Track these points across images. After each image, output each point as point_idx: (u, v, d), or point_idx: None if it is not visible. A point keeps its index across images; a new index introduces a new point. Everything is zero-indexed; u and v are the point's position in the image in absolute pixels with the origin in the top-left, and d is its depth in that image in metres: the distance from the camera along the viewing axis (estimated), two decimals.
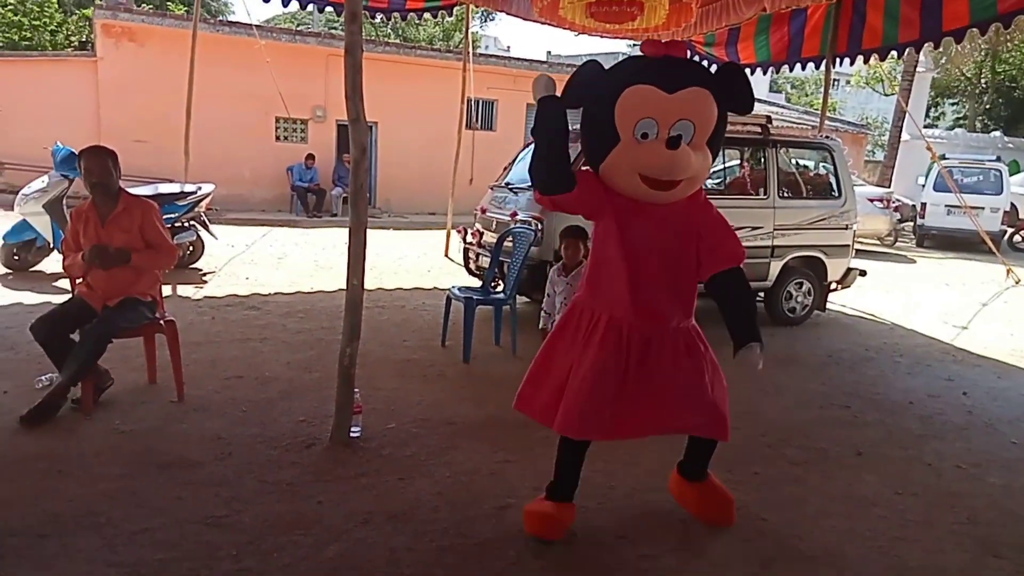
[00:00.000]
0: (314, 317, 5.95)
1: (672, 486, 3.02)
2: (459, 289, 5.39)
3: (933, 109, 29.45)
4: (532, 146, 2.53)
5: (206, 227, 7.57)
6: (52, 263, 7.05)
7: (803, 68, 8.64)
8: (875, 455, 3.78)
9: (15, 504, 2.72)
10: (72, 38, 17.08)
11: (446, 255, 9.77)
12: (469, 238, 6.81)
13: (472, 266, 6.86)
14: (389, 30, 26.99)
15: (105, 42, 13.28)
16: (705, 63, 9.53)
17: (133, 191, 4.18)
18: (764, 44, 8.55)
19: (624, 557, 2.64)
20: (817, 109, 13.39)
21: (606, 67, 2.51)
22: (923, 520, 3.09)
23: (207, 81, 9.74)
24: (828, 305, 7.09)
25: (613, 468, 3.33)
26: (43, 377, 3.92)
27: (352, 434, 3.47)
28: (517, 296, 5.50)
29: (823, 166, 8.27)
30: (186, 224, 7.33)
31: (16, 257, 6.86)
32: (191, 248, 7.56)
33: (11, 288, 6.31)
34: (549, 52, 38.10)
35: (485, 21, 32.46)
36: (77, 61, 13.73)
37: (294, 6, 8.07)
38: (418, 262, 9.07)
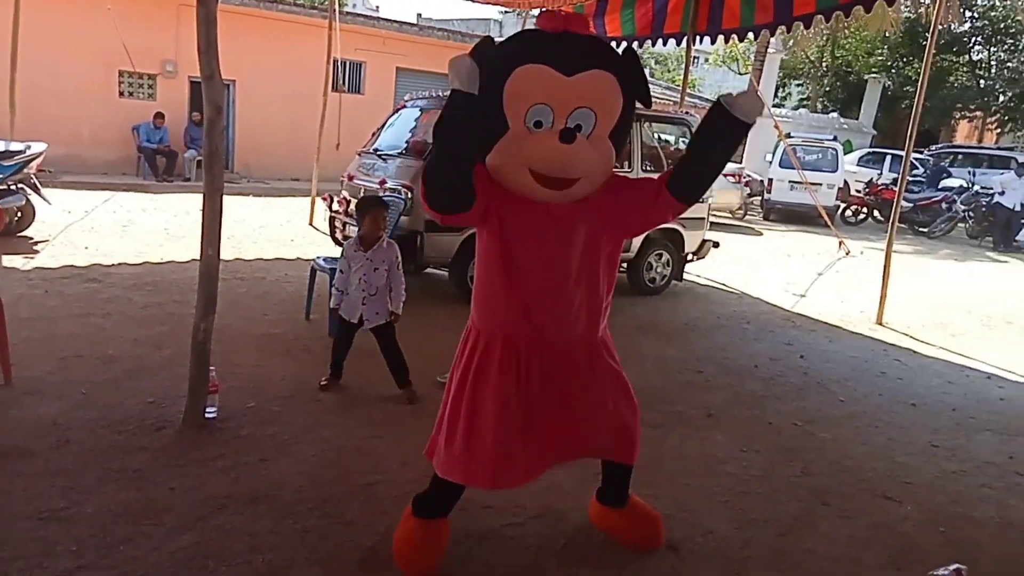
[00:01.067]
0: (164, 290, 5.56)
1: (593, 515, 2.73)
2: (324, 259, 5.21)
3: (781, 89, 31.58)
4: (433, 146, 2.09)
5: (37, 191, 6.84)
6: None
7: (664, 44, 8.96)
8: (725, 416, 4.05)
9: None
10: None
11: (310, 224, 9.41)
12: (336, 206, 6.57)
13: (339, 235, 6.64)
14: None
15: None
16: None
17: None
18: (630, 18, 8.79)
19: (491, 526, 2.68)
20: (678, 85, 13.97)
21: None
22: (764, 475, 3.36)
23: (36, 28, 8.77)
24: (684, 275, 7.48)
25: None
26: None
27: (208, 415, 3.29)
28: None
29: (683, 141, 8.67)
30: (13, 187, 6.58)
31: None
32: (19, 214, 6.81)
33: None
34: (419, 15, 37.21)
35: None
36: None
37: None
38: (280, 231, 8.67)
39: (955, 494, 3.34)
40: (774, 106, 26.33)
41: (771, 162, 15.74)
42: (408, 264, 6.08)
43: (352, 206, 6.37)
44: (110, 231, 7.76)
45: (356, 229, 5.91)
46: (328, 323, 4.84)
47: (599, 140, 2.10)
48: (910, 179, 14.94)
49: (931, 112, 22.97)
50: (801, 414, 4.19)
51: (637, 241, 6.75)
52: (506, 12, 18.29)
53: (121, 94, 13.57)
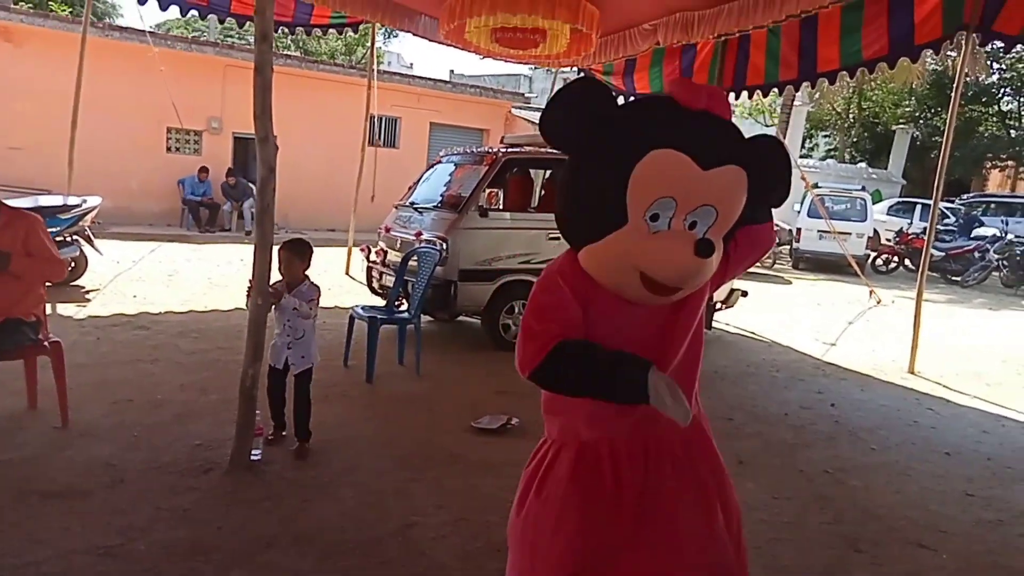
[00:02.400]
0: (209, 337, 5.78)
1: None
2: (362, 308, 5.40)
3: (808, 140, 31.73)
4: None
5: (90, 242, 7.19)
6: None
7: None
8: (755, 463, 4.08)
9: None
10: None
11: (347, 273, 9.68)
12: (373, 256, 6.81)
13: (375, 285, 6.86)
14: (290, 42, 26.46)
15: None
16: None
17: (11, 203, 3.96)
18: (658, 75, 9.06)
19: None
20: None
21: (610, 100, 1.66)
22: (796, 522, 3.37)
23: (94, 87, 9.27)
24: (714, 323, 7.53)
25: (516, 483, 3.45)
26: None
27: (253, 457, 3.43)
28: (422, 315, 5.55)
29: None
30: (69, 239, 6.94)
31: None
32: (72, 264, 7.15)
33: None
34: (452, 71, 38.35)
35: (388, 37, 32.40)
36: None
37: (192, 12, 7.85)
38: (318, 280, 8.87)
39: (992, 543, 3.32)
40: (801, 157, 26.41)
41: (799, 212, 15.79)
42: (442, 311, 6.29)
43: (388, 257, 6.60)
44: (157, 280, 8.08)
45: (391, 279, 6.15)
46: (366, 370, 5.00)
47: (715, 240, 1.66)
48: (941, 228, 14.88)
49: (961, 161, 22.87)
50: (832, 462, 4.19)
51: None
52: (536, 68, 18.81)
53: (168, 149, 14.20)
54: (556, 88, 12.00)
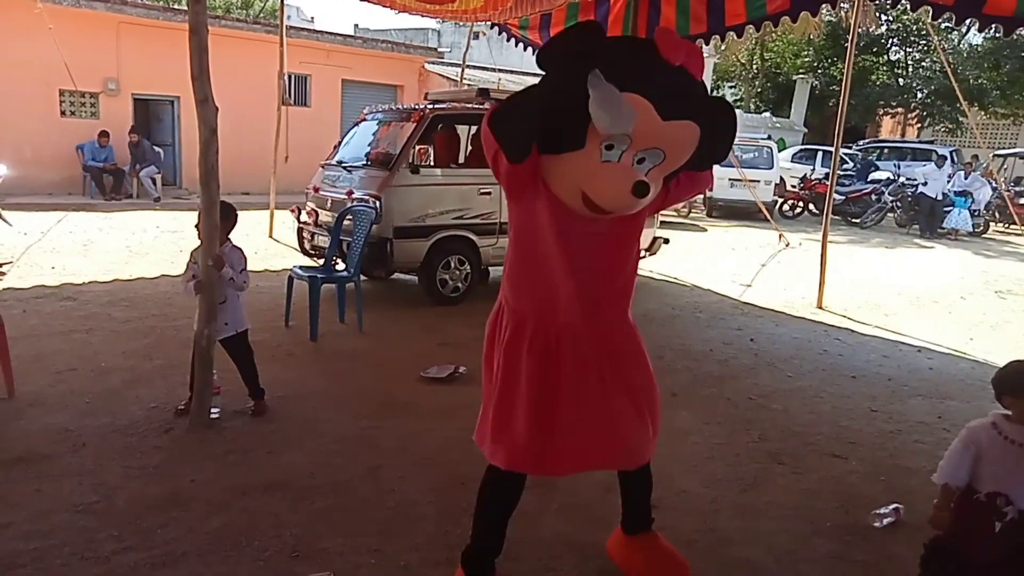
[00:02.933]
0: (140, 305, 5.67)
1: (612, 548, 2.58)
2: (301, 268, 5.42)
3: (715, 92, 32.73)
4: (512, 103, 1.93)
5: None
6: None
7: None
8: (687, 395, 4.43)
9: None
10: None
11: (271, 236, 9.52)
12: (304, 217, 6.77)
13: (307, 246, 6.83)
14: None
15: None
16: (522, 45, 10.05)
17: None
18: None
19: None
20: None
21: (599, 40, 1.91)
22: (726, 442, 3.73)
23: None
24: (639, 271, 7.88)
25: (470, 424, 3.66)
26: None
27: (212, 415, 3.49)
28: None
29: None
30: None
31: None
32: None
33: None
34: (356, 25, 37.14)
35: None
36: None
37: None
38: (242, 244, 8.74)
39: (893, 450, 3.78)
40: None
41: None
42: (379, 269, 6.36)
43: (319, 217, 6.59)
44: (72, 251, 7.75)
45: (324, 239, 6.15)
46: (309, 329, 5.06)
47: (656, 180, 1.99)
48: (841, 173, 15.79)
49: (856, 109, 24.16)
50: (754, 390, 4.60)
51: None
52: (443, 22, 18.52)
53: (63, 113, 13.36)
54: (469, 42, 11.93)
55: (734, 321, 6.48)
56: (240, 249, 3.66)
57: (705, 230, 13.85)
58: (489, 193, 6.41)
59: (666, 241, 7.93)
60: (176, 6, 21.41)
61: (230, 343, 3.68)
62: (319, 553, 2.49)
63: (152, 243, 8.58)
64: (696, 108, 1.96)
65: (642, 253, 7.68)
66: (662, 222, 8.46)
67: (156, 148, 13.63)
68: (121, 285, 6.32)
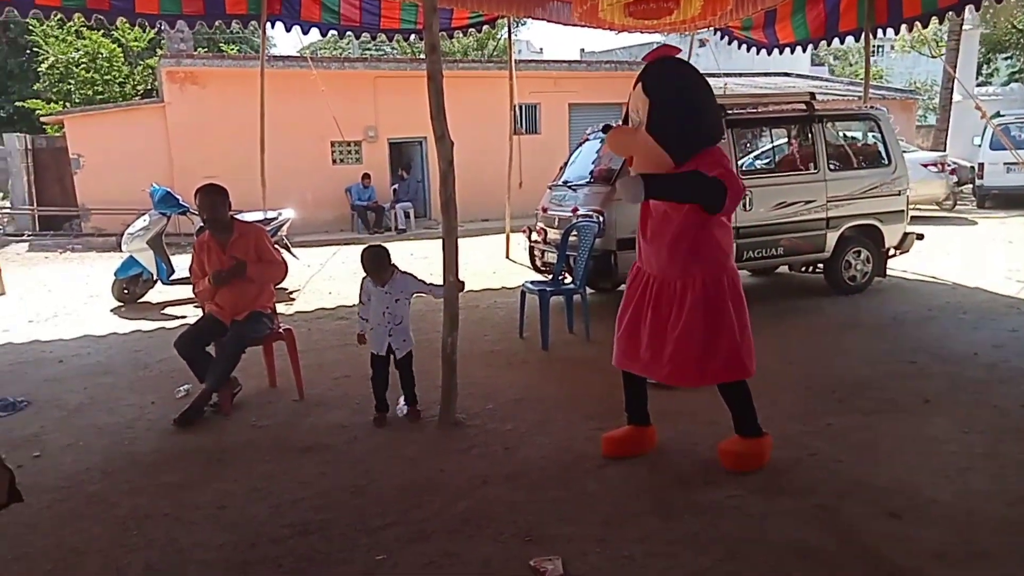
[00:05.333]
0: None
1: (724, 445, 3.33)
2: (533, 283, 5.80)
3: (985, 66, 28.61)
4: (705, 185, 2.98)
5: (288, 249, 8.16)
6: (155, 294, 7.75)
7: (842, 42, 8.79)
8: (943, 401, 4.02)
9: (192, 486, 3.24)
10: (139, 87, 18.19)
11: (507, 257, 10.20)
12: (534, 236, 7.21)
13: (538, 263, 7.25)
14: (422, 46, 27.65)
15: (171, 87, 14.18)
16: (745, 47, 9.77)
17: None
18: (802, 23, 8.75)
19: (713, 498, 2.98)
20: (863, 79, 13.27)
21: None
22: (989, 453, 3.34)
23: (269, 114, 10.39)
24: (888, 271, 7.23)
25: (694, 428, 3.68)
26: (181, 387, 4.50)
27: (457, 414, 3.90)
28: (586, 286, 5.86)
29: (871, 135, 8.40)
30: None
31: (126, 291, 7.55)
32: None
33: (126, 318, 7.00)
34: (582, 50, 38.29)
35: (518, 26, 32.97)
36: (146, 108, 14.68)
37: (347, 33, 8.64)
38: (482, 266, 9.52)
39: None
40: (979, 85, 23.93)
41: (980, 145, 14.45)
42: (604, 281, 6.57)
43: (548, 235, 6.97)
44: (345, 278, 8.99)
45: (553, 256, 6.50)
46: (540, 339, 5.39)
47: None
48: None
49: None
50: None
51: (832, 240, 6.69)
52: (668, 34, 18.42)
53: (334, 161, 15.51)
54: (691, 51, 11.79)
55: (1008, 322, 5.70)
56: (407, 273, 4.10)
57: (975, 223, 12.23)
58: None
59: (919, 237, 7.19)
60: (422, 56, 23.74)
61: (403, 362, 4.03)
62: (550, 539, 2.70)
63: (407, 269, 9.63)
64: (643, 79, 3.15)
65: (891, 252, 7.07)
66: (918, 217, 7.68)
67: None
68: None
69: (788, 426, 3.68)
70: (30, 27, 17.67)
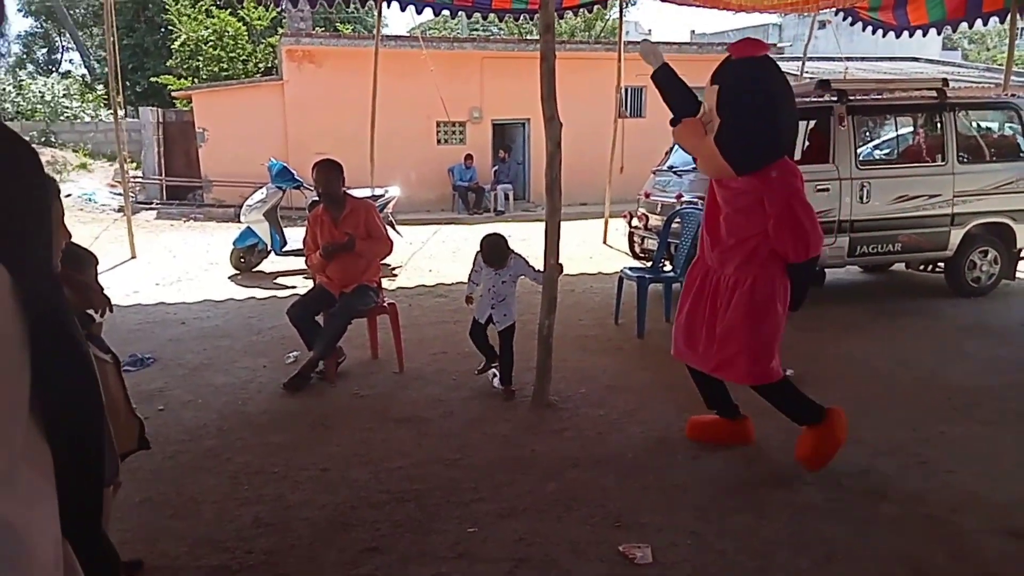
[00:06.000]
0: None
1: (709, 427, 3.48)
2: (632, 269, 5.74)
3: None
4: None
5: (393, 227, 8.40)
6: (269, 264, 8.18)
7: (984, 24, 8.14)
8: None
9: (298, 447, 3.43)
10: (260, 65, 19.11)
11: (604, 242, 10.10)
12: (635, 222, 7.12)
13: (637, 249, 7.16)
14: (531, 26, 27.58)
15: (289, 66, 14.80)
16: (870, 29, 9.22)
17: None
18: (938, 2, 8.14)
19: (813, 499, 2.89)
20: (1001, 65, 12.20)
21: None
22: None
23: (378, 92, 10.72)
24: (1018, 273, 6.71)
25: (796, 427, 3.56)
26: (291, 354, 4.75)
27: (550, 396, 3.94)
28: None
29: (1009, 127, 7.76)
30: None
31: (243, 260, 8.01)
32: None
33: (242, 286, 7.43)
34: (692, 31, 37.18)
35: (627, 6, 32.29)
36: (267, 85, 15.39)
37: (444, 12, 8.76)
38: (579, 250, 9.47)
39: None
40: None
41: None
42: None
43: (649, 221, 6.87)
44: (444, 257, 9.22)
45: (654, 242, 6.40)
46: (636, 326, 5.34)
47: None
48: None
49: None
50: None
51: (956, 238, 6.26)
52: (784, 15, 17.62)
53: (439, 141, 15.80)
54: (811, 33, 11.27)
55: None
56: (519, 257, 4.21)
57: None
58: (828, 190, 6.05)
59: None
60: (529, 36, 23.78)
61: (504, 333, 4.15)
62: (640, 526, 2.70)
63: None
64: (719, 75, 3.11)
65: (1023, 252, 6.56)
66: None
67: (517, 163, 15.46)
68: None
69: (897, 432, 3.51)
70: (166, 6, 18.83)
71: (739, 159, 2.95)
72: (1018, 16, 7.49)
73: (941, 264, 6.54)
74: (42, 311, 0.91)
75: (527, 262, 4.21)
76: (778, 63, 3.17)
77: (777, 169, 2.95)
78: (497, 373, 4.20)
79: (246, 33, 19.05)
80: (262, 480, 3.11)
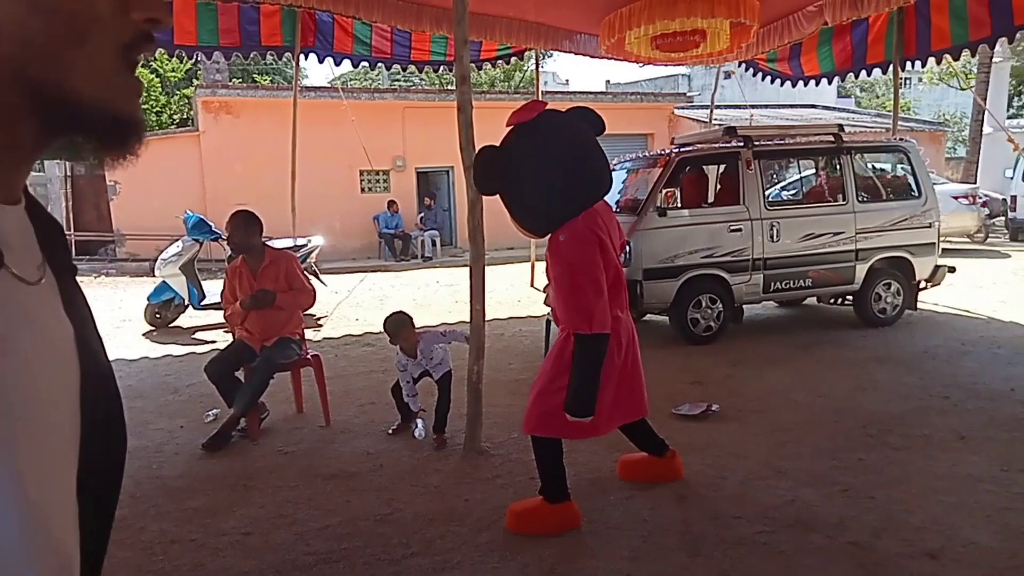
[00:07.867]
0: None
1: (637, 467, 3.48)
2: None
3: (1016, 98, 28.36)
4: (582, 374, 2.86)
5: (316, 276, 8.26)
6: (187, 319, 7.87)
7: (868, 74, 8.76)
8: (979, 438, 3.92)
9: (219, 511, 3.26)
10: (175, 116, 18.71)
11: (532, 285, 10.20)
12: None
13: None
14: (451, 77, 28.06)
15: (205, 117, 14.54)
16: (770, 79, 9.80)
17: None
18: (827, 55, 8.75)
19: (743, 533, 2.93)
20: (889, 111, 13.18)
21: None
22: None
23: (298, 143, 10.62)
24: (919, 304, 7.12)
25: (723, 462, 3.62)
26: (210, 412, 4.54)
27: (482, 442, 3.89)
28: None
29: (900, 167, 8.33)
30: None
31: (158, 315, 7.69)
32: None
33: (157, 343, 7.11)
34: (608, 81, 38.65)
35: (544, 58, 33.32)
36: (182, 137, 15.04)
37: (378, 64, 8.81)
38: (507, 294, 9.55)
39: None
40: (1010, 117, 23.71)
41: (1012, 178, 14.26)
42: (631, 310, 6.53)
43: None
44: (371, 305, 9.08)
45: None
46: None
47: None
48: None
49: None
50: None
51: (861, 272, 6.62)
52: (691, 68, 18.57)
53: (363, 190, 15.73)
54: (717, 83, 11.87)
55: None
56: (428, 331, 4.40)
57: (1008, 256, 12.00)
58: (740, 230, 6.32)
59: (951, 269, 7.08)
60: (449, 87, 24.14)
61: (443, 380, 4.19)
62: (576, 572, 2.67)
63: (433, 296, 9.71)
64: None
65: (922, 284, 6.98)
66: (949, 250, 7.58)
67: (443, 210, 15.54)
68: None
69: (818, 461, 3.62)
70: None
71: (527, 222, 3.01)
72: (899, 68, 8.10)
73: (850, 297, 6.89)
74: None
75: (438, 332, 4.34)
76: (561, 120, 3.08)
77: (565, 232, 2.85)
78: (418, 424, 4.16)
79: (159, 85, 18.66)
80: (178, 550, 2.93)
